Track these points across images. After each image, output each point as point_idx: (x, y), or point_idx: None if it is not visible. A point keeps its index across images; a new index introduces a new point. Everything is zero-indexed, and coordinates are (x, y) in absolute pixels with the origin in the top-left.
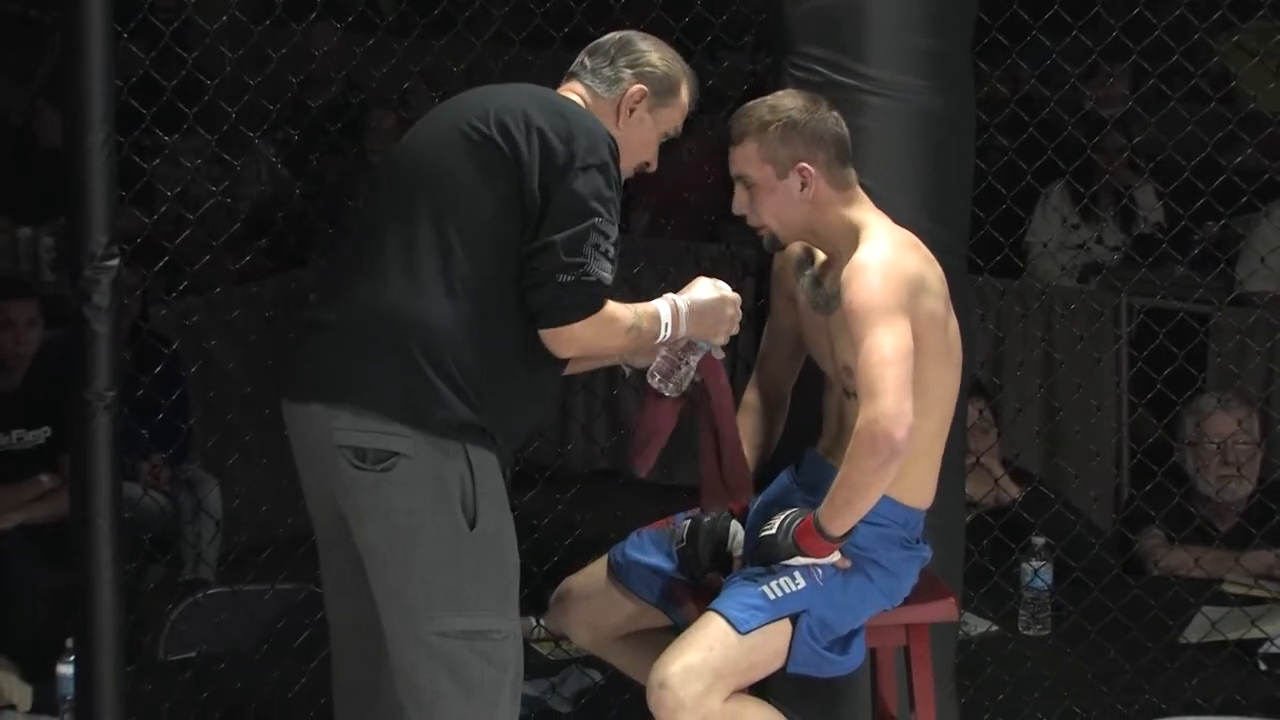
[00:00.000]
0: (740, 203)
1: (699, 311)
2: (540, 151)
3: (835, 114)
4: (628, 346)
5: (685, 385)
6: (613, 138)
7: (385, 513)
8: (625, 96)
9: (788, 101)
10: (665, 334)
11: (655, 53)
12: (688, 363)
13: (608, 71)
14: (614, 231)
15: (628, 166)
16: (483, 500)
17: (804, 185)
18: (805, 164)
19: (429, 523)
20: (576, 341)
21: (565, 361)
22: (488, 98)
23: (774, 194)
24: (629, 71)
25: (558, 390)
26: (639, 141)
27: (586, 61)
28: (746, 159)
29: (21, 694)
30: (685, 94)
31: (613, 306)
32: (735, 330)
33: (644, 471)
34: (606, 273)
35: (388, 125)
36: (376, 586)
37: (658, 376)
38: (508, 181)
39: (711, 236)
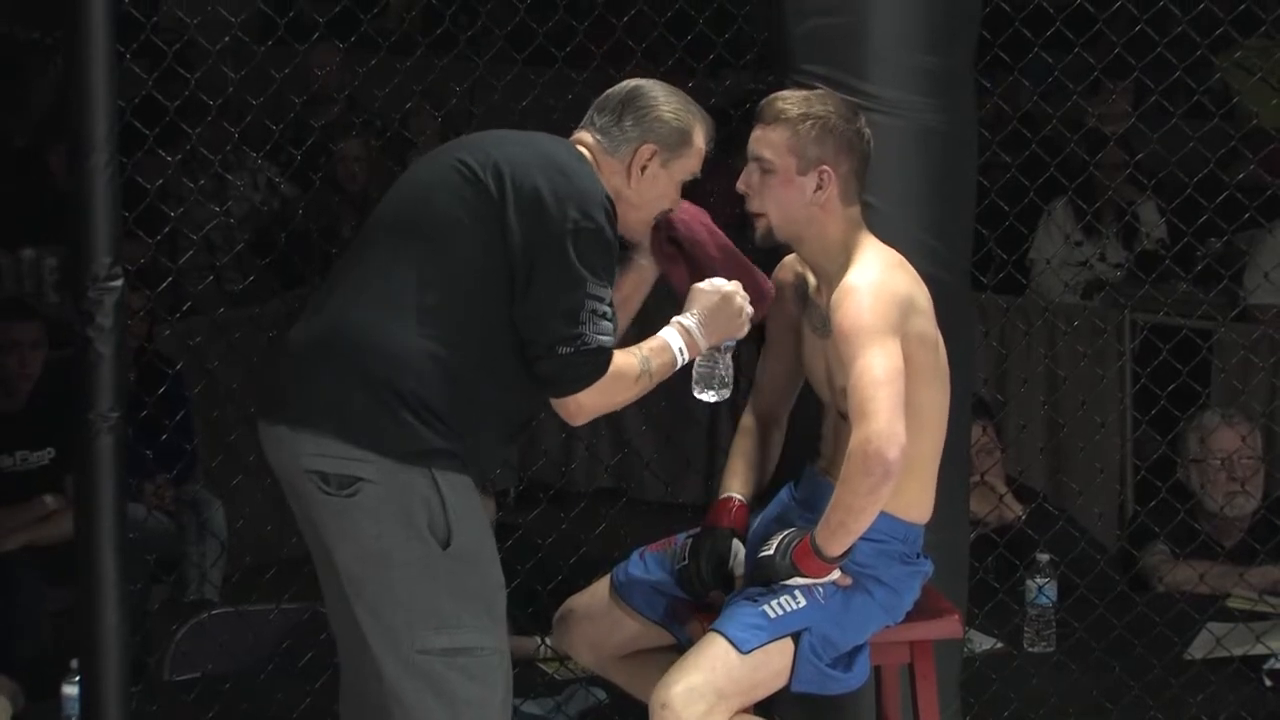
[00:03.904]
0: (748, 183)
1: (709, 320)
2: (531, 206)
3: (869, 131)
4: (642, 392)
5: (730, 379)
6: (609, 199)
7: (355, 537)
8: (635, 157)
9: (830, 103)
10: (683, 359)
11: (664, 104)
12: (720, 364)
13: (615, 131)
14: (607, 294)
15: (646, 219)
16: (456, 521)
17: (819, 188)
18: (828, 168)
19: (398, 545)
20: (584, 409)
21: (539, 393)
22: (492, 143)
23: (787, 187)
24: (635, 131)
25: (536, 417)
26: (655, 195)
27: (595, 118)
28: (772, 144)
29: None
30: (700, 139)
31: (618, 362)
32: (752, 313)
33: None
34: (607, 335)
35: (354, 152)
36: (356, 606)
37: (700, 388)
38: (492, 226)
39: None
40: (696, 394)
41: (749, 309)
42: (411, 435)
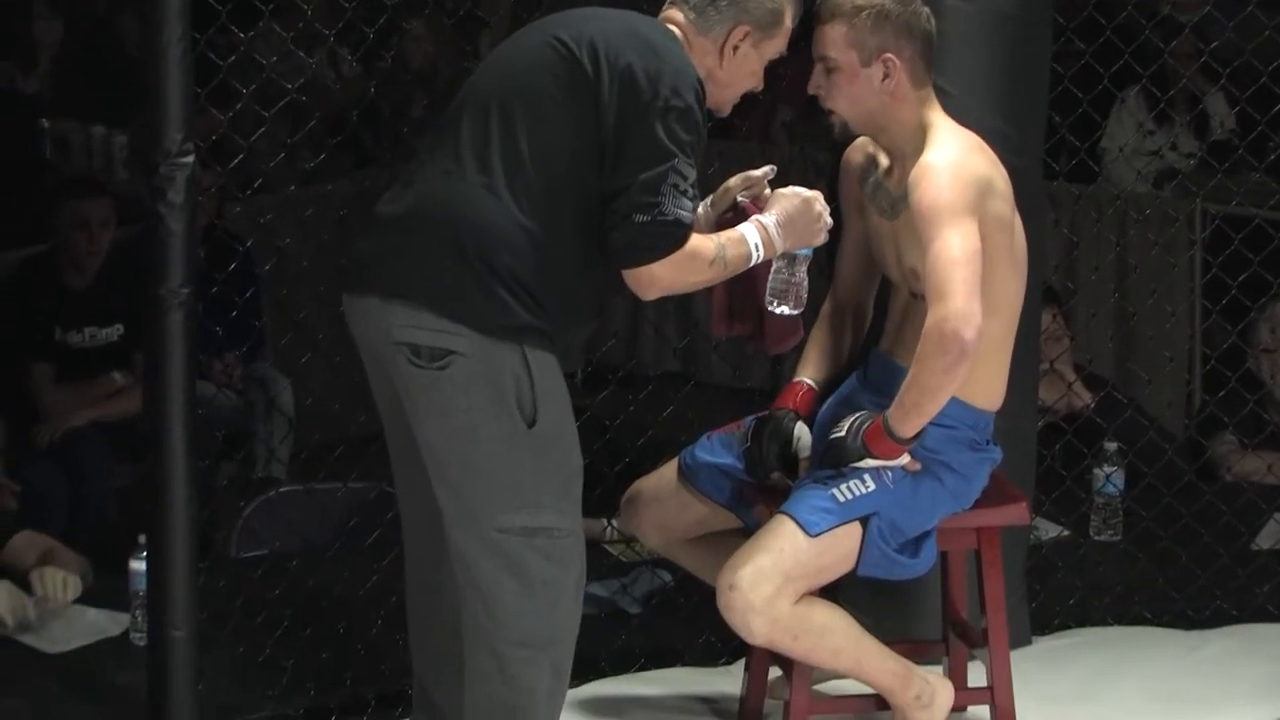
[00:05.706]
0: (817, 84)
1: (789, 222)
2: (624, 84)
3: (927, 10)
4: (714, 278)
5: (804, 292)
6: (700, 80)
7: (443, 410)
8: (729, 38)
9: None
10: (758, 255)
11: None
12: (796, 275)
13: (710, 11)
14: (692, 173)
15: (733, 98)
16: (542, 400)
17: (886, 76)
18: (891, 55)
19: (487, 420)
20: (657, 282)
21: (621, 277)
22: (586, 20)
23: (854, 81)
24: (731, 11)
25: (612, 301)
26: (745, 74)
27: None
28: (833, 41)
29: (70, 586)
30: (789, 19)
31: (694, 242)
32: (830, 224)
33: (785, 347)
34: (686, 211)
35: (423, 31)
36: (437, 482)
37: (775, 301)
38: (586, 103)
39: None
40: (771, 308)
41: (828, 218)
42: (505, 310)
